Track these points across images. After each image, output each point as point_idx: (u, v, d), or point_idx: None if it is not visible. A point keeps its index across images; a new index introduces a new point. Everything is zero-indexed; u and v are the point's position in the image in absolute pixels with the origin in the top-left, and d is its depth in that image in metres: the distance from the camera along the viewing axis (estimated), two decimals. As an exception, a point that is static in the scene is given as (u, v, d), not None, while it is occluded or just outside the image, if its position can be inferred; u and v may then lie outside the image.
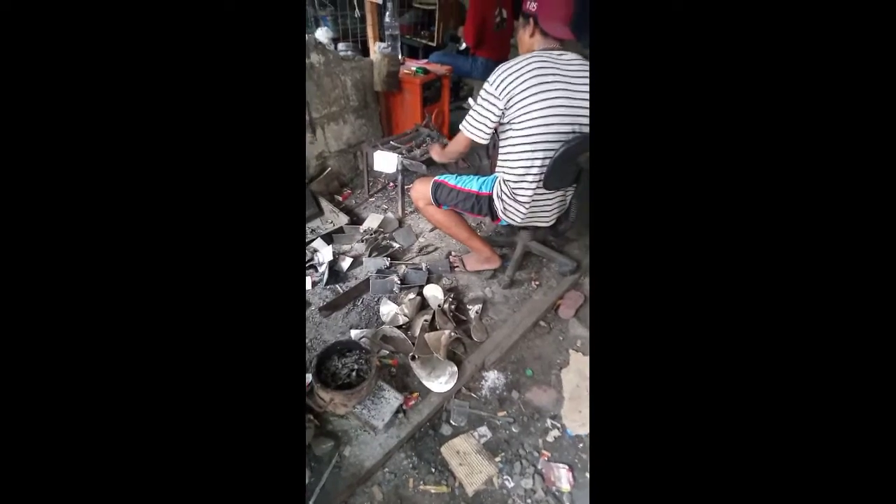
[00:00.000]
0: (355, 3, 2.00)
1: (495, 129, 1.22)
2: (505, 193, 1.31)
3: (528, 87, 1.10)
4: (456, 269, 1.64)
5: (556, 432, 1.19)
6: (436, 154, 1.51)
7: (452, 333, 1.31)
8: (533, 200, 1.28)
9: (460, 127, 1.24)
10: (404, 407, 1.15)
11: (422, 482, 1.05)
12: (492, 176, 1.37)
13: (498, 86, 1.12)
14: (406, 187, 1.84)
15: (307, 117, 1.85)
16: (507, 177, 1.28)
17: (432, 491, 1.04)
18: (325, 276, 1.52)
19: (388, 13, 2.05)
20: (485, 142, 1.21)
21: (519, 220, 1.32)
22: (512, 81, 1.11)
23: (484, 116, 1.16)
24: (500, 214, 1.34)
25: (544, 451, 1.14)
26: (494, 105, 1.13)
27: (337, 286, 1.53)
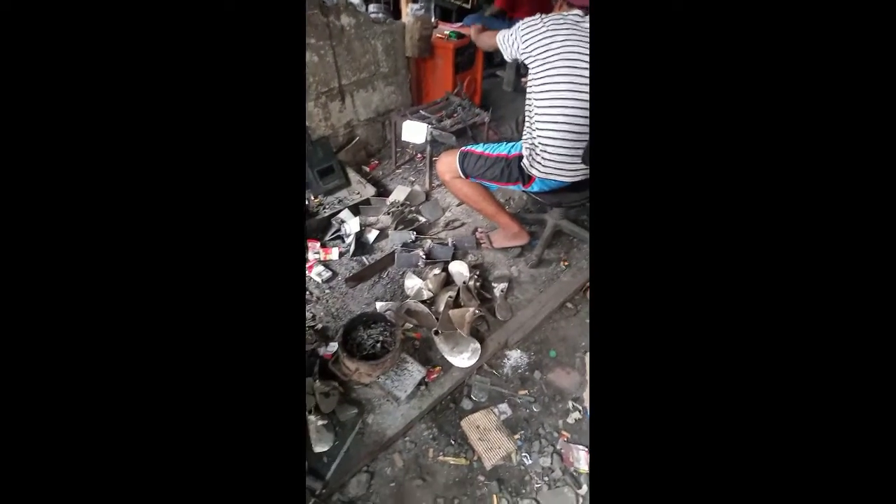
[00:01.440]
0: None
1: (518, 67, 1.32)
2: (531, 145, 1.30)
3: (542, 38, 1.18)
4: (482, 245, 1.61)
5: (577, 414, 1.18)
6: (473, 33, 1.60)
7: (476, 311, 1.30)
8: (554, 148, 1.25)
9: (500, 33, 1.34)
10: (426, 380, 1.17)
11: (441, 453, 1.08)
12: (521, 141, 1.35)
13: (521, 30, 1.24)
14: (434, 159, 1.79)
15: (336, 84, 1.81)
16: (528, 120, 1.30)
17: (451, 462, 1.06)
18: (352, 247, 1.53)
19: (421, -29, 1.93)
20: (507, 58, 1.33)
21: (541, 170, 1.29)
22: (530, 31, 1.21)
23: (508, 43, 1.29)
24: (525, 165, 1.32)
25: (564, 432, 1.14)
26: (515, 42, 1.25)
27: (363, 258, 1.54)
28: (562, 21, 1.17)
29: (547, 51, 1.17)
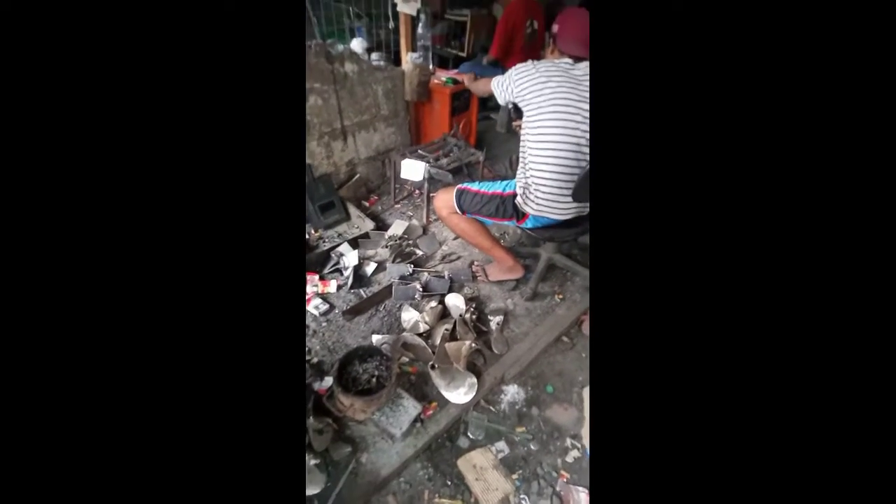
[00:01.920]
0: (390, 14, 2.05)
1: (510, 111, 1.49)
2: (525, 184, 1.35)
3: (535, 83, 1.25)
4: (478, 278, 1.64)
5: (576, 452, 1.15)
6: (468, 80, 1.74)
7: (473, 344, 1.30)
8: (547, 187, 1.30)
9: (494, 79, 1.41)
10: (422, 416, 1.14)
11: (437, 495, 1.04)
12: (514, 179, 1.41)
13: (514, 75, 1.30)
14: (431, 195, 1.86)
15: (339, 125, 1.90)
16: (522, 160, 1.36)
17: (447, 504, 1.03)
18: (350, 280, 1.54)
19: (420, 24, 2.09)
20: (501, 102, 1.39)
21: (534, 208, 1.33)
22: (523, 76, 1.27)
23: (502, 88, 1.35)
24: (520, 203, 1.36)
25: (563, 472, 1.11)
26: (509, 86, 1.32)
27: (361, 290, 1.55)
28: (553, 67, 1.24)
29: (539, 95, 1.23)
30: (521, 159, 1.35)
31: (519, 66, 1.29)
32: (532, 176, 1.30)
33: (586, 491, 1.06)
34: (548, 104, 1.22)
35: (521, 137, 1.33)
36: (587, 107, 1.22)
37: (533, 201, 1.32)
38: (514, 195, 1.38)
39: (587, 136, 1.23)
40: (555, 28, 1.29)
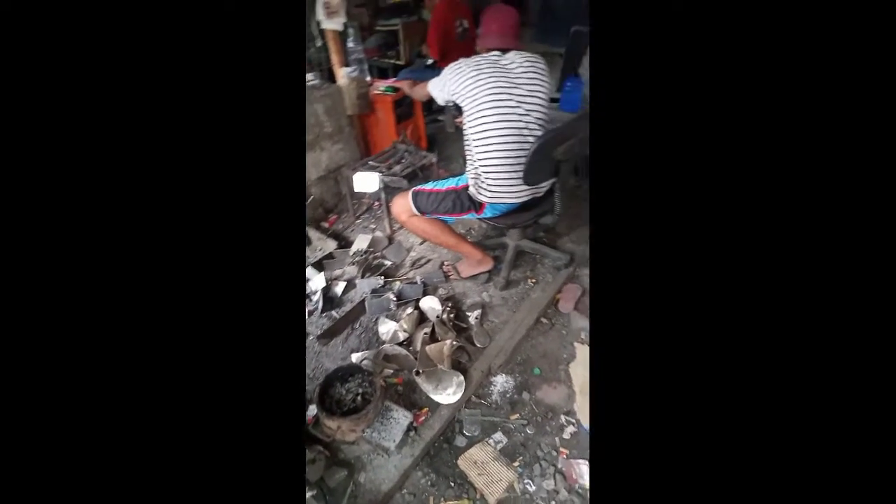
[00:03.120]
0: (315, 33, 2.03)
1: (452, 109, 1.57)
2: (475, 174, 1.38)
3: (468, 78, 1.29)
4: (451, 277, 1.64)
5: (571, 428, 1.17)
6: (406, 86, 1.74)
7: (454, 342, 1.29)
8: (495, 173, 1.33)
9: (430, 82, 1.45)
10: (415, 424, 1.12)
11: (442, 498, 1.02)
12: (466, 173, 1.43)
13: (448, 74, 1.35)
14: (390, 204, 1.85)
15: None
16: (468, 152, 1.40)
17: (454, 506, 1.01)
18: (320, 304, 1.51)
19: (350, 38, 2.09)
20: (440, 102, 1.45)
21: (488, 196, 1.36)
22: (457, 74, 1.32)
23: (439, 88, 1.40)
24: (473, 193, 1.39)
25: (563, 449, 1.11)
26: (445, 85, 1.36)
27: (333, 312, 1.51)
28: (483, 61, 1.30)
29: (474, 88, 1.27)
30: (467, 152, 1.38)
31: (451, 65, 1.34)
32: (480, 165, 1.33)
33: (587, 462, 1.07)
34: (482, 95, 1.26)
35: (464, 131, 1.35)
36: (520, 92, 1.27)
37: (486, 189, 1.35)
38: (468, 187, 1.40)
39: (524, 119, 1.28)
40: (478, 30, 1.37)
